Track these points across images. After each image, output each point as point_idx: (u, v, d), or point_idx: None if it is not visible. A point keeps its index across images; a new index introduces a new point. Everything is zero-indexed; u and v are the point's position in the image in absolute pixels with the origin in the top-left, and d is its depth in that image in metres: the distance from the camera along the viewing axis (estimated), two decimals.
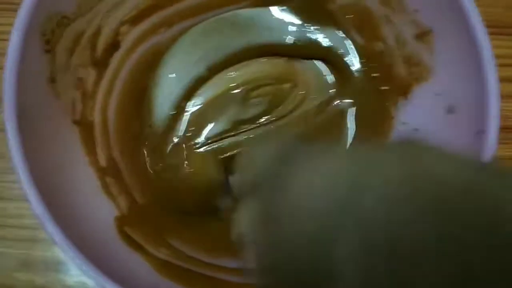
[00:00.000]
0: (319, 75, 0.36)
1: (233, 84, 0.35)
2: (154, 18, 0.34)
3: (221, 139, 0.34)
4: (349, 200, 0.18)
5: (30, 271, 0.34)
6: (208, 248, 0.32)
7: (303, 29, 0.35)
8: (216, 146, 0.35)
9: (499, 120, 0.26)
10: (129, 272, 0.27)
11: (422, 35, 0.31)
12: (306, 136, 0.35)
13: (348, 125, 0.35)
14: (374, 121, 0.35)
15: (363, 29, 0.34)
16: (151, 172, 0.33)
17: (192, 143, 0.34)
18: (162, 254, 0.30)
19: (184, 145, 0.34)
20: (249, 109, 0.35)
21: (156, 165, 0.33)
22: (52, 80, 0.29)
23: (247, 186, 0.23)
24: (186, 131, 0.35)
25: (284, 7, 0.35)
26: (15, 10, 0.26)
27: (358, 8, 0.33)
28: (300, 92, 0.36)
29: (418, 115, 0.32)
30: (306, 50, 0.35)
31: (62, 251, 0.24)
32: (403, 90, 0.33)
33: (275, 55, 0.36)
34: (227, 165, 0.34)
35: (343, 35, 0.35)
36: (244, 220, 0.22)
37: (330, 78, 0.36)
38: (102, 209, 0.30)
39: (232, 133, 0.35)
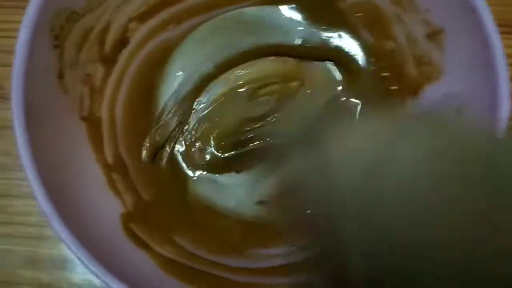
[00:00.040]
0: (327, 73, 0.36)
1: (240, 82, 0.35)
2: (163, 15, 0.34)
3: (230, 136, 0.35)
4: (371, 172, 0.18)
5: (37, 268, 0.34)
6: (213, 247, 0.32)
7: (311, 29, 0.35)
8: (223, 144, 0.35)
9: (509, 121, 0.26)
10: (134, 270, 0.27)
11: (433, 35, 0.31)
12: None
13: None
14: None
15: (374, 28, 0.34)
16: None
17: (199, 141, 0.34)
18: (167, 251, 0.30)
19: (190, 143, 0.35)
20: (256, 107, 0.35)
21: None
22: (60, 76, 0.28)
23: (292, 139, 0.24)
24: (194, 128, 0.35)
25: (293, 5, 0.35)
26: (22, 8, 0.26)
27: (369, 6, 0.33)
28: (308, 91, 0.35)
29: None
30: (314, 52, 0.35)
31: (68, 249, 0.24)
32: (414, 90, 0.32)
33: (283, 54, 0.36)
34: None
35: (353, 34, 0.35)
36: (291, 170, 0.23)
37: (338, 76, 0.36)
38: (108, 206, 0.30)
39: (240, 131, 0.35)
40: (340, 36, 0.35)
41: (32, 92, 0.25)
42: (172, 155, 0.34)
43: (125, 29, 0.33)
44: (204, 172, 0.34)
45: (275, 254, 0.32)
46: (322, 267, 0.21)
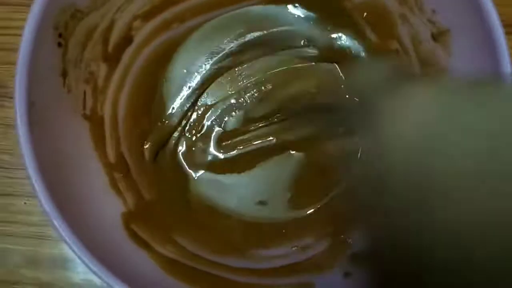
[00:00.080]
0: (330, 73, 0.36)
1: (245, 82, 0.35)
2: (167, 14, 0.34)
3: (232, 136, 0.34)
4: (440, 142, 0.18)
5: (37, 268, 0.34)
6: (214, 247, 0.32)
7: (316, 29, 0.35)
8: (225, 144, 0.35)
9: None
10: (135, 270, 0.27)
11: (439, 35, 0.30)
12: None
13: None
14: None
15: (379, 27, 0.34)
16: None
17: (201, 140, 0.34)
18: (168, 251, 0.30)
19: (192, 143, 0.35)
20: (259, 107, 0.35)
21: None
22: (64, 74, 0.28)
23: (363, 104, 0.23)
24: (196, 128, 0.35)
25: (298, 5, 0.35)
26: (27, 5, 0.26)
27: (375, 6, 0.33)
28: (312, 91, 0.35)
29: None
30: (319, 54, 0.35)
31: (70, 248, 0.24)
32: None
33: (287, 52, 0.35)
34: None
35: (358, 34, 0.35)
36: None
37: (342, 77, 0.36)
38: (109, 205, 0.30)
39: (242, 131, 0.35)
40: (344, 37, 0.35)
41: (35, 90, 0.25)
42: (174, 154, 0.34)
43: (129, 28, 0.33)
44: (206, 172, 0.34)
45: (276, 255, 0.32)
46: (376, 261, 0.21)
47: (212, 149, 0.34)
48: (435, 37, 0.31)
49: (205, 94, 0.35)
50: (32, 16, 0.25)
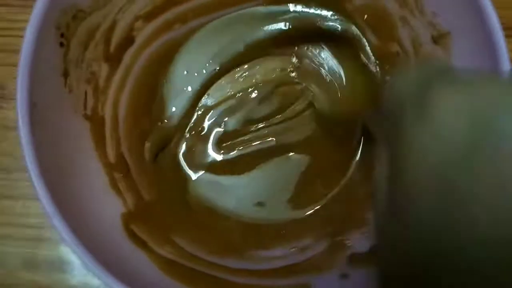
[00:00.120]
0: (331, 76, 0.36)
1: (245, 83, 0.35)
2: (169, 14, 0.34)
3: (232, 137, 0.35)
4: (486, 140, 0.17)
5: (35, 270, 0.34)
6: (213, 248, 0.32)
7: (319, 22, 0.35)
8: (225, 145, 0.35)
9: None
10: (134, 270, 0.27)
11: (440, 38, 0.30)
12: None
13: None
14: None
15: (379, 29, 0.34)
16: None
17: (201, 141, 0.34)
18: (166, 252, 0.30)
19: (192, 143, 0.35)
20: (260, 108, 0.35)
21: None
22: (65, 74, 0.29)
23: (392, 115, 0.21)
24: (196, 129, 0.35)
25: (299, 6, 0.35)
26: (30, 7, 0.26)
27: (375, 8, 0.33)
28: (311, 93, 0.35)
29: None
30: (324, 33, 0.35)
31: (69, 247, 0.24)
32: None
33: (290, 43, 0.36)
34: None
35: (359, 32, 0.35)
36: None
37: (342, 76, 0.36)
38: (109, 206, 0.30)
39: (243, 132, 0.35)
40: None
41: (37, 91, 0.25)
42: (174, 155, 0.34)
43: (131, 28, 0.33)
44: (206, 173, 0.34)
45: (275, 256, 0.32)
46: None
47: (212, 150, 0.35)
48: (435, 40, 0.31)
49: (205, 95, 0.35)
50: (34, 16, 0.25)
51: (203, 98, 0.35)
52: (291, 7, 0.35)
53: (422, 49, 0.32)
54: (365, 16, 0.34)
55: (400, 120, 0.20)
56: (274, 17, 0.35)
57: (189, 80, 0.35)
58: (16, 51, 0.25)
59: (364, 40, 0.35)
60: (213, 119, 0.35)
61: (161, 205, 0.33)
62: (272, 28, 0.35)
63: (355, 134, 0.35)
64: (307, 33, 0.35)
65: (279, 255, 0.32)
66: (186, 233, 0.32)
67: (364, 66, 0.35)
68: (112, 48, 0.32)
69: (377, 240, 0.22)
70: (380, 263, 0.22)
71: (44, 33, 0.26)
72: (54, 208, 0.24)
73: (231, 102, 0.35)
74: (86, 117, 0.30)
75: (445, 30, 0.30)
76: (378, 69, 0.35)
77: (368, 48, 0.35)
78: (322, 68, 0.36)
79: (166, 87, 0.34)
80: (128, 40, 0.33)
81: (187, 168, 0.34)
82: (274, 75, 0.35)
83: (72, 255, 0.34)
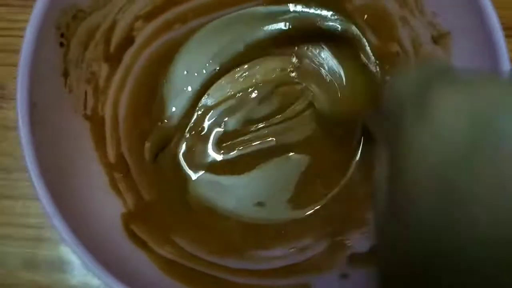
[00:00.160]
0: (330, 76, 0.36)
1: (245, 83, 0.35)
2: (169, 14, 0.34)
3: (232, 137, 0.35)
4: (487, 141, 0.17)
5: (35, 270, 0.34)
6: (213, 248, 0.32)
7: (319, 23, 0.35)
8: (225, 145, 0.35)
9: None
10: (134, 270, 0.27)
11: (440, 38, 0.30)
12: None
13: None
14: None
15: (379, 29, 0.34)
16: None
17: (201, 142, 0.34)
18: (166, 252, 0.30)
19: (192, 144, 0.35)
20: (260, 108, 0.35)
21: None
22: (65, 74, 0.29)
23: (392, 115, 0.21)
24: (196, 129, 0.35)
25: (299, 6, 0.35)
26: (30, 7, 0.26)
27: (375, 8, 0.33)
28: (312, 93, 0.35)
29: None
30: (324, 33, 0.35)
31: (69, 248, 0.24)
32: None
33: (290, 43, 0.36)
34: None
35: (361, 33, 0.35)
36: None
37: (342, 76, 0.36)
38: (109, 206, 0.30)
39: (243, 132, 0.35)
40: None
41: (37, 91, 0.25)
42: (174, 155, 0.34)
43: (131, 28, 0.33)
44: (206, 173, 0.34)
45: (275, 256, 0.32)
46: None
47: (212, 150, 0.35)
48: (435, 40, 0.31)
49: (205, 95, 0.35)
50: (34, 16, 0.25)
51: (203, 98, 0.35)
52: (291, 7, 0.35)
53: (422, 49, 0.32)
54: (365, 16, 0.34)
55: (400, 120, 0.20)
56: (274, 17, 0.35)
57: (189, 80, 0.35)
58: (16, 51, 0.25)
59: (364, 40, 0.35)
60: (213, 119, 0.35)
61: (161, 205, 0.33)
62: (272, 28, 0.35)
63: (355, 134, 0.35)
64: (307, 33, 0.35)
65: (279, 255, 0.32)
66: (186, 233, 0.32)
67: (364, 66, 0.35)
68: (112, 48, 0.32)
69: (377, 240, 0.22)
70: (380, 263, 0.22)
71: (44, 33, 0.26)
72: (54, 208, 0.24)
73: (231, 102, 0.35)
74: (86, 117, 0.30)
75: (445, 30, 0.30)
76: (378, 69, 0.35)
77: (368, 48, 0.35)
78: (322, 68, 0.36)
79: (166, 87, 0.35)
80: (128, 40, 0.33)
81: (187, 168, 0.34)
82: (274, 75, 0.35)
83: (72, 255, 0.34)
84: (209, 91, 0.35)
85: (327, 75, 0.36)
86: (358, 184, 0.34)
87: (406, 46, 0.33)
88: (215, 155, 0.35)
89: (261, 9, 0.35)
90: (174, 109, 0.34)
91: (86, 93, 0.31)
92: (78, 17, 0.29)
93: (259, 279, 0.30)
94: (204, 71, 0.35)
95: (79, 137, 0.30)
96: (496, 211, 0.16)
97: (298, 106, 0.35)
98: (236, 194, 0.34)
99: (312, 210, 0.34)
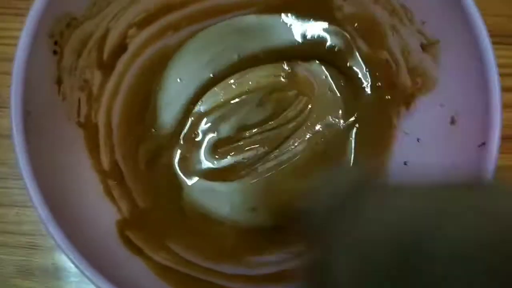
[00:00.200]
0: (323, 83, 0.36)
1: (238, 89, 0.35)
2: (162, 22, 0.34)
3: (225, 144, 0.35)
4: (415, 246, 0.16)
5: (29, 278, 0.34)
6: (208, 254, 0.32)
7: (311, 32, 0.35)
8: (218, 151, 0.35)
9: (501, 132, 0.26)
10: (129, 276, 0.27)
11: (428, 46, 0.31)
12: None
13: (352, 134, 0.35)
14: (376, 130, 0.35)
15: (369, 37, 0.34)
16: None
17: (195, 148, 0.35)
18: (162, 258, 0.30)
19: (186, 150, 0.35)
20: (253, 114, 0.35)
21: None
22: (59, 82, 0.29)
23: (318, 222, 0.22)
24: (190, 136, 0.35)
25: (290, 14, 0.36)
26: (23, 15, 0.26)
27: (365, 17, 0.34)
28: (304, 100, 0.36)
29: (421, 125, 0.32)
30: (313, 50, 0.36)
31: (64, 254, 0.24)
32: (406, 100, 0.33)
33: (282, 58, 0.36)
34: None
35: (351, 41, 0.35)
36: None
37: (333, 84, 0.36)
38: (104, 213, 0.30)
39: (236, 138, 0.35)
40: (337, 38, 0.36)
41: (31, 99, 0.25)
42: (168, 162, 0.34)
43: (124, 36, 0.33)
44: (200, 180, 0.34)
45: (269, 262, 0.32)
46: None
47: (206, 157, 0.35)
48: (424, 48, 0.31)
49: (199, 102, 0.35)
50: (28, 24, 0.26)
51: (197, 105, 0.35)
52: (283, 17, 0.35)
53: (411, 57, 0.32)
54: (355, 24, 0.35)
55: (327, 223, 0.20)
56: (265, 27, 0.35)
57: (182, 87, 0.35)
58: (8, 59, 0.25)
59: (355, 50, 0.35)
60: (207, 126, 0.35)
61: (156, 212, 0.33)
62: (264, 36, 0.36)
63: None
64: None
65: (273, 260, 0.32)
66: (181, 239, 0.32)
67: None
68: (105, 55, 0.32)
69: None
70: None
71: (37, 41, 0.26)
72: (48, 214, 0.24)
73: (225, 108, 0.35)
74: (80, 124, 0.30)
75: (434, 38, 0.30)
76: (369, 77, 0.35)
77: (358, 56, 0.35)
78: (313, 75, 0.36)
79: (160, 94, 0.35)
80: (121, 48, 0.33)
81: (182, 175, 0.34)
82: (266, 82, 0.36)
83: (67, 262, 0.33)
84: (203, 98, 0.35)
85: (318, 82, 0.36)
86: None
87: (396, 54, 0.33)
88: (209, 162, 0.35)
89: (254, 17, 0.35)
90: (168, 116, 0.35)
91: (79, 100, 0.31)
92: (71, 25, 0.29)
93: (254, 284, 0.30)
94: (198, 78, 0.35)
95: (73, 144, 0.30)
96: None
97: (291, 112, 0.36)
98: (230, 200, 0.34)
99: None
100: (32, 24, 0.26)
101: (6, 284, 0.34)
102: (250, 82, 0.36)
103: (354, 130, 0.35)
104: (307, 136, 0.35)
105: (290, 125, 0.35)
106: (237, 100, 0.35)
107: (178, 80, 0.35)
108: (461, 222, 0.16)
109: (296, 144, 0.35)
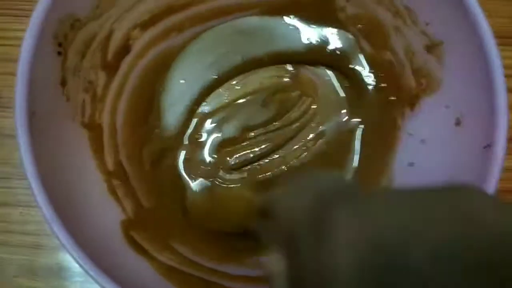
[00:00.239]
0: (326, 84, 0.36)
1: (242, 90, 0.35)
2: (166, 23, 0.34)
3: (230, 144, 0.35)
4: (391, 260, 0.16)
5: (33, 277, 0.34)
6: (211, 254, 0.32)
7: (314, 34, 0.35)
8: (223, 152, 0.35)
9: (507, 133, 0.26)
10: (133, 276, 0.27)
11: (433, 47, 0.31)
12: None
13: (356, 135, 0.35)
14: (381, 131, 0.35)
15: (373, 38, 0.34)
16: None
17: (199, 149, 0.35)
18: (166, 258, 0.30)
19: (191, 151, 0.35)
20: (258, 115, 0.35)
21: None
22: (63, 83, 0.29)
23: (282, 234, 0.21)
24: (194, 136, 0.35)
25: (293, 16, 0.36)
26: (26, 16, 0.26)
27: (368, 18, 0.34)
28: (307, 101, 0.36)
29: (426, 126, 0.32)
30: (316, 55, 0.36)
31: (69, 254, 0.24)
32: (411, 101, 0.33)
33: (285, 62, 0.36)
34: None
35: (354, 43, 0.35)
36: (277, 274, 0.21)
37: (337, 85, 0.36)
38: (108, 213, 0.30)
39: (241, 139, 0.35)
40: (343, 41, 0.35)
41: (35, 100, 0.25)
42: (172, 163, 0.34)
43: (128, 37, 0.33)
44: (204, 180, 0.34)
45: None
46: None
47: (210, 158, 0.35)
48: (428, 49, 0.31)
49: (203, 103, 0.35)
50: (32, 25, 0.26)
51: (201, 106, 0.35)
52: (286, 18, 0.35)
53: (415, 58, 0.32)
54: (358, 26, 0.35)
55: (298, 237, 0.19)
56: (268, 28, 0.35)
57: (186, 88, 0.35)
58: (11, 60, 0.26)
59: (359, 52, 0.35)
60: (211, 126, 0.35)
61: (160, 212, 0.33)
62: (267, 37, 0.36)
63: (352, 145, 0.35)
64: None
65: None
66: (185, 239, 0.32)
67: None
68: (109, 56, 0.32)
69: None
70: None
71: (41, 42, 0.26)
72: (53, 214, 0.24)
73: (229, 109, 0.35)
74: (84, 125, 0.31)
75: (438, 39, 0.30)
76: (373, 78, 0.35)
77: (362, 57, 0.35)
78: (316, 76, 0.36)
79: (163, 95, 0.35)
80: (125, 49, 0.33)
81: (186, 176, 0.34)
82: (270, 82, 0.36)
83: (71, 262, 0.33)
84: (207, 99, 0.35)
85: (321, 83, 0.36)
86: None
87: (399, 55, 0.33)
88: (213, 162, 0.35)
89: (256, 19, 0.35)
90: (172, 117, 0.35)
91: (84, 101, 0.31)
92: (75, 26, 0.29)
93: (258, 285, 0.30)
94: (202, 80, 0.35)
95: (77, 145, 0.30)
96: None
97: (294, 113, 0.36)
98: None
99: None
100: (36, 25, 0.26)
101: (10, 283, 0.34)
102: (254, 83, 0.36)
103: (358, 131, 0.35)
104: (311, 137, 0.35)
105: (294, 126, 0.35)
106: (241, 101, 0.35)
107: (183, 81, 0.35)
108: (436, 229, 0.16)
109: (300, 145, 0.35)
